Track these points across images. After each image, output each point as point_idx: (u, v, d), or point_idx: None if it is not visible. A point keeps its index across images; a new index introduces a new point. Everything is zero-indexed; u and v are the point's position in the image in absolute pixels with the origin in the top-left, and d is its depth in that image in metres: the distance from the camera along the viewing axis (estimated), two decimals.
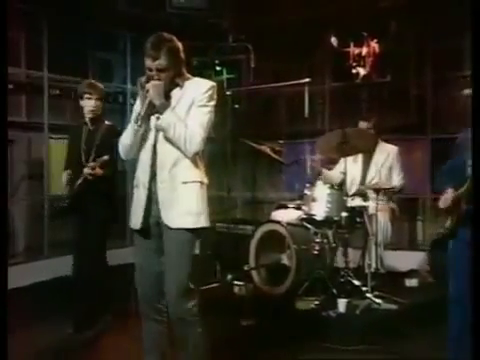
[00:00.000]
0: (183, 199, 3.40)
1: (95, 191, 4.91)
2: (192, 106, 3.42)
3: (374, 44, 7.15)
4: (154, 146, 3.42)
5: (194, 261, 3.47)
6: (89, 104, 4.98)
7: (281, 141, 7.18)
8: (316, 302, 5.44)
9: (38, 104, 6.99)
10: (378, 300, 5.40)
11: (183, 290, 3.42)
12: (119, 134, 4.67)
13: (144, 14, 7.54)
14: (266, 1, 7.67)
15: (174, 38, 3.43)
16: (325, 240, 5.89)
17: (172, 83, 3.43)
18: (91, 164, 4.82)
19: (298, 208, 6.14)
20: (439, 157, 6.89)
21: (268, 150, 6.43)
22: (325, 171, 6.16)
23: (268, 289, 5.93)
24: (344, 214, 5.66)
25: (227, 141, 7.66)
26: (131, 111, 7.82)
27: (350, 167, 6.06)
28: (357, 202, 5.97)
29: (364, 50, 7.17)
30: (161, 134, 3.40)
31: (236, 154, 7.61)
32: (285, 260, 5.92)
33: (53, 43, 7.00)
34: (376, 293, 5.48)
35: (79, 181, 4.89)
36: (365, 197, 5.99)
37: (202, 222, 3.46)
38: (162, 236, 3.46)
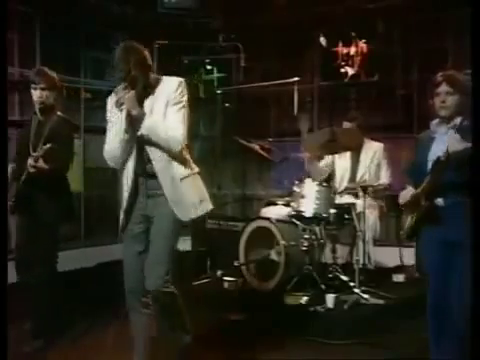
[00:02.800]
0: (187, 193, 3.56)
1: (42, 187, 4.41)
2: (167, 106, 3.51)
3: (362, 44, 7.14)
4: (140, 151, 3.54)
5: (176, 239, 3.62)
6: (36, 94, 4.53)
7: (270, 139, 7.16)
8: (305, 297, 5.46)
9: (31, 102, 6.94)
10: (366, 295, 5.42)
11: (161, 271, 3.51)
12: (72, 127, 4.65)
13: (135, 14, 7.53)
14: (256, 1, 7.66)
15: (140, 48, 3.54)
16: (314, 236, 5.90)
17: (144, 90, 3.50)
18: (34, 154, 4.29)
19: (287, 205, 6.17)
20: None
21: (257, 148, 6.44)
22: (316, 163, 6.15)
23: (257, 285, 5.95)
24: (332, 211, 5.68)
25: (217, 139, 7.67)
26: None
27: (339, 165, 6.08)
28: (345, 199, 5.99)
29: (352, 50, 7.16)
30: (145, 139, 3.48)
31: (226, 152, 7.61)
32: (274, 256, 5.92)
33: (46, 42, 6.98)
34: (364, 288, 5.51)
35: (23, 176, 4.39)
36: (354, 194, 6.00)
37: (208, 206, 3.68)
38: (148, 229, 3.60)
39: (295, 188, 5.87)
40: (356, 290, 5.47)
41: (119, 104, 3.41)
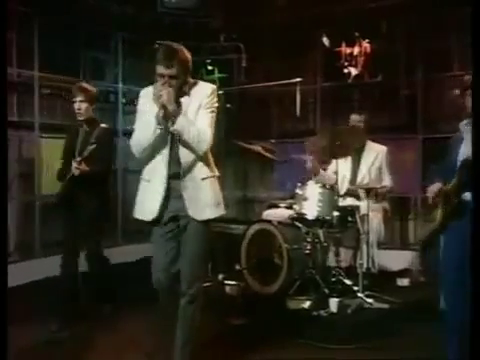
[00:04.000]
0: (205, 194, 3.77)
1: (85, 188, 5.06)
2: (199, 109, 3.73)
3: (366, 44, 7.13)
4: (171, 147, 3.72)
5: (208, 245, 3.88)
6: (76, 106, 5.17)
7: (273, 140, 7.14)
8: (307, 301, 5.43)
9: (29, 103, 6.94)
10: (370, 299, 5.40)
11: (199, 272, 3.87)
12: (113, 136, 5.23)
13: (136, 14, 7.52)
14: (257, 1, 7.65)
15: (185, 49, 3.71)
16: (316, 239, 5.88)
17: (181, 90, 3.70)
18: (77, 158, 4.97)
19: (289, 207, 6.12)
20: (430, 156, 6.89)
21: (260, 149, 6.40)
22: (322, 172, 6.12)
23: (259, 288, 5.91)
24: (335, 213, 5.63)
25: (218, 140, 7.64)
26: (123, 110, 7.95)
27: (340, 166, 6.03)
28: (349, 202, 5.97)
29: (356, 50, 7.15)
30: (177, 137, 3.68)
31: (227, 153, 7.59)
32: (276, 259, 5.89)
33: (44, 42, 6.95)
34: (368, 292, 5.48)
35: (68, 176, 5.03)
36: (356, 197, 5.98)
37: (222, 210, 3.87)
38: (179, 227, 3.79)
39: (297, 190, 5.84)
40: (360, 294, 5.44)
41: (157, 97, 3.58)
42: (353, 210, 5.75)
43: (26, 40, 6.84)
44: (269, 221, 6.08)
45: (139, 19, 7.51)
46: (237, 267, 6.01)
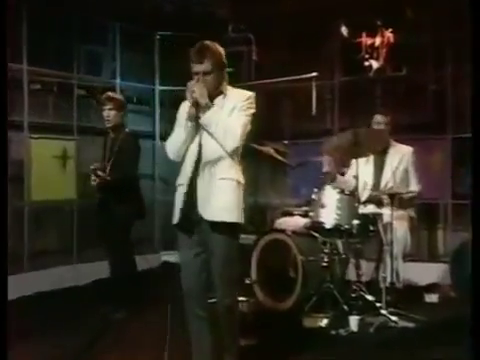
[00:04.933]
0: (219, 194, 3.90)
1: (114, 195, 5.82)
2: (233, 110, 3.95)
3: (388, 34, 7.11)
4: (199, 144, 3.97)
5: (237, 253, 4.07)
6: (105, 114, 5.88)
7: (286, 141, 7.16)
8: (325, 319, 5.40)
9: (17, 100, 6.93)
10: (394, 317, 5.35)
11: (231, 280, 4.04)
12: (137, 140, 5.99)
13: (135, 2, 7.52)
14: None
15: (216, 44, 4.00)
16: (335, 251, 5.89)
17: (216, 89, 3.98)
18: (95, 165, 5.81)
19: (305, 215, 6.15)
20: (460, 158, 6.84)
21: (272, 151, 6.44)
22: (339, 177, 6.12)
23: (272, 304, 5.92)
24: (356, 222, 5.60)
25: None
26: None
27: (361, 170, 6.00)
28: (370, 209, 5.95)
29: (377, 40, 7.13)
30: (206, 134, 3.93)
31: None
32: (290, 272, 5.91)
33: (34, 33, 6.94)
34: (392, 310, 5.43)
35: (93, 183, 5.81)
36: (379, 203, 5.95)
37: (237, 217, 3.96)
38: (204, 231, 3.95)
39: (314, 196, 5.83)
40: (383, 311, 5.40)
41: (190, 93, 3.82)
42: (375, 218, 5.71)
43: (14, 31, 6.82)
44: (282, 230, 6.10)
45: (138, 7, 7.50)
46: (247, 281, 6.02)
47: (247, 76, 8.06)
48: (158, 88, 8.57)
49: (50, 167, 7.11)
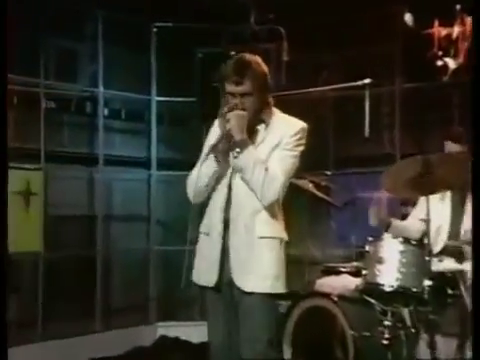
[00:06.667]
0: (260, 258, 4.11)
1: None
2: (277, 148, 4.14)
3: (471, 22, 7.04)
4: (229, 188, 4.18)
5: (273, 329, 4.23)
6: None
7: (328, 172, 7.15)
8: None
9: None
10: None
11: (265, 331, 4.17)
12: None
13: None
14: None
15: (260, 60, 4.24)
16: (399, 323, 5.82)
17: (256, 116, 4.19)
18: None
19: (355, 273, 6.22)
20: None
21: (310, 186, 6.53)
22: (396, 221, 6.13)
23: None
24: (428, 283, 5.50)
25: None
26: (105, 126, 7.97)
27: (435, 211, 5.94)
28: (447, 264, 5.88)
29: (455, 31, 7.06)
30: (238, 176, 4.14)
31: None
32: (337, 352, 5.94)
33: None
34: None
35: None
36: (460, 256, 5.88)
37: (280, 287, 4.21)
38: (235, 297, 4.19)
39: (368, 247, 5.77)
40: None
41: (223, 122, 4.05)
42: (455, 277, 5.65)
43: None
44: (325, 294, 6.14)
45: None
46: None
47: (275, 83, 8.02)
48: (155, 99, 8.56)
49: (8, 207, 7.09)
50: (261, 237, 4.10)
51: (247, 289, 4.08)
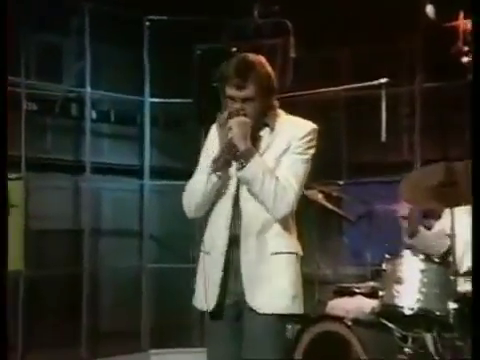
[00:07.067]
0: (275, 276, 4.07)
1: None
2: (285, 153, 4.09)
3: None
4: (235, 202, 4.12)
5: (283, 355, 4.15)
6: None
7: (340, 181, 7.08)
8: None
9: None
10: None
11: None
12: None
13: None
14: None
15: (265, 60, 4.15)
16: (421, 350, 5.71)
17: (260, 121, 4.13)
18: None
19: (371, 295, 6.18)
20: None
21: (320, 197, 6.51)
22: (423, 230, 6.02)
23: None
24: (453, 306, 5.44)
25: None
26: (91, 130, 7.91)
27: (461, 225, 5.78)
28: None
29: None
30: (244, 188, 4.08)
31: None
32: None
33: None
34: None
35: None
36: None
37: (296, 308, 4.13)
38: (240, 319, 4.15)
39: (385, 266, 5.74)
40: None
41: (224, 131, 3.99)
42: None
43: None
44: (338, 318, 6.10)
45: None
46: None
47: (281, 83, 7.92)
48: (148, 100, 8.55)
49: None
50: (275, 253, 4.06)
51: (261, 310, 4.02)
